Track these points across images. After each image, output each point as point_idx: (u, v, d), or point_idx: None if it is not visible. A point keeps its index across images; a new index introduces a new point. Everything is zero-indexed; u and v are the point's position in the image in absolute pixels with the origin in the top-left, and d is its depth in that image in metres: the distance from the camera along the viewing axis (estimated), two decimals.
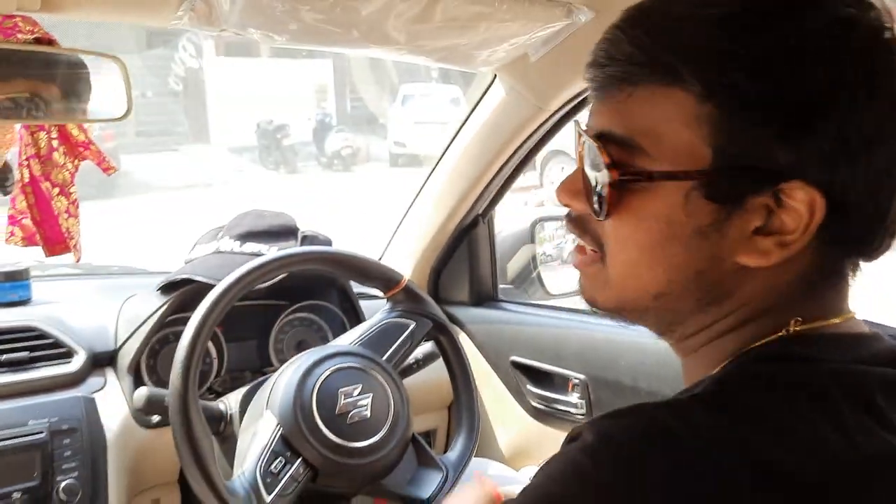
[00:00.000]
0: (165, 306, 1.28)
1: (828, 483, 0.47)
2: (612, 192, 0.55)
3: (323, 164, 15.19)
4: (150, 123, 15.37)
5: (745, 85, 0.50)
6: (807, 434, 0.48)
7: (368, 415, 1.11)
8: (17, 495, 1.06)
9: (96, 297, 1.44)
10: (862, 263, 0.57)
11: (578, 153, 0.61)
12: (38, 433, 1.10)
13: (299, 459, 1.03)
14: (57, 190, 0.90)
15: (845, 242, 0.54)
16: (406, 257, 1.66)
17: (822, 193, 0.50)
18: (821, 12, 0.51)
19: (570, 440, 0.52)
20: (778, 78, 0.49)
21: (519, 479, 1.34)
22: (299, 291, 1.47)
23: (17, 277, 1.36)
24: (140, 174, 13.24)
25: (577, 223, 0.63)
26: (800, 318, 0.55)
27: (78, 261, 0.95)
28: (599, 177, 0.57)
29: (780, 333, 0.55)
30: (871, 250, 0.55)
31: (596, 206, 0.58)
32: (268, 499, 0.99)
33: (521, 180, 1.63)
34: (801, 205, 0.51)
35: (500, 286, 1.69)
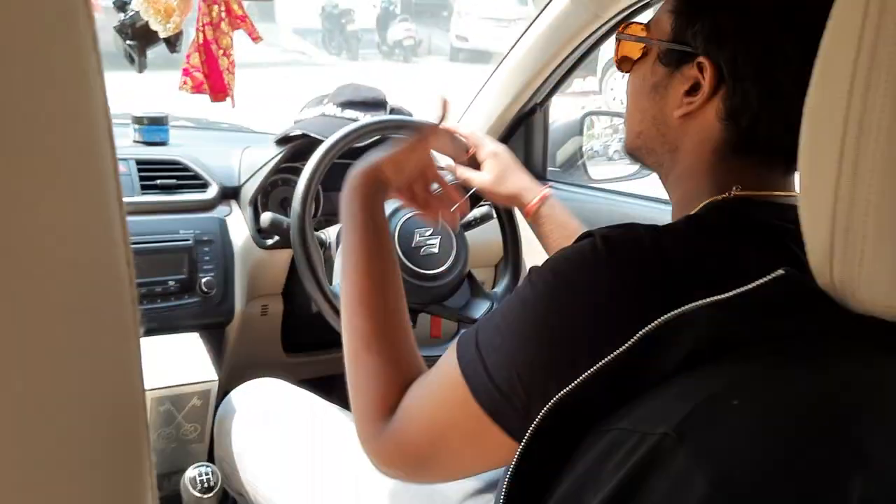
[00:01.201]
0: (280, 155, 1.59)
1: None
2: (624, 51, 0.86)
3: (384, 52, 15.18)
4: None
5: (681, 5, 0.79)
6: (714, 278, 0.61)
7: (437, 251, 1.42)
8: (172, 283, 1.42)
9: (219, 144, 1.76)
10: None
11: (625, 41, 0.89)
12: (186, 240, 1.44)
13: None
14: (222, 51, 1.19)
15: (738, 117, 0.74)
16: (480, 126, 1.91)
17: (714, 66, 0.74)
18: None
19: (582, 237, 0.69)
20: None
21: None
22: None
23: (160, 122, 1.68)
24: None
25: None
26: (740, 186, 0.75)
27: (234, 106, 1.25)
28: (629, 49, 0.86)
29: (723, 195, 0.75)
30: (768, 138, 0.75)
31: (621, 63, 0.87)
32: None
33: (582, 85, 1.84)
34: (707, 70, 0.75)
35: (549, 169, 1.96)
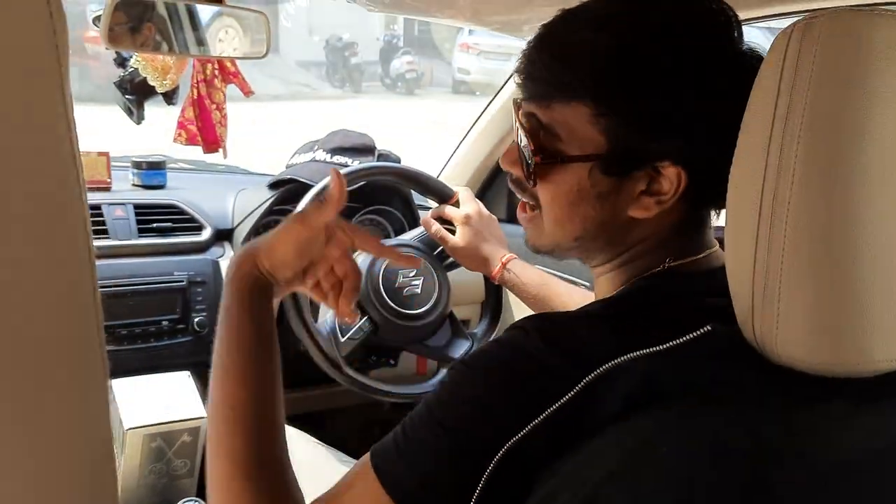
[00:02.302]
0: (273, 198, 1.65)
1: (654, 369, 0.62)
2: (537, 168, 0.73)
3: (387, 85, 15.31)
4: None
5: (626, 104, 0.69)
6: (646, 337, 0.62)
7: (419, 291, 1.48)
8: (165, 322, 1.48)
9: (214, 187, 1.83)
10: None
11: (516, 130, 0.77)
12: (180, 281, 1.50)
13: (366, 317, 1.40)
14: (214, 106, 1.26)
15: (704, 198, 0.73)
16: (459, 177, 1.98)
17: (685, 168, 0.69)
18: (677, 45, 0.68)
19: (511, 328, 0.69)
20: (647, 99, 0.68)
21: None
22: (370, 197, 1.80)
23: (158, 167, 1.75)
24: None
25: (517, 184, 0.80)
26: (672, 258, 0.74)
27: (225, 157, 1.32)
28: (528, 154, 0.74)
29: (655, 269, 0.74)
30: (721, 204, 0.74)
31: (528, 175, 0.75)
32: (342, 339, 1.37)
33: None
34: (672, 176, 0.69)
35: None
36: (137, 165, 1.74)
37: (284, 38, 16.71)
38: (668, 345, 0.62)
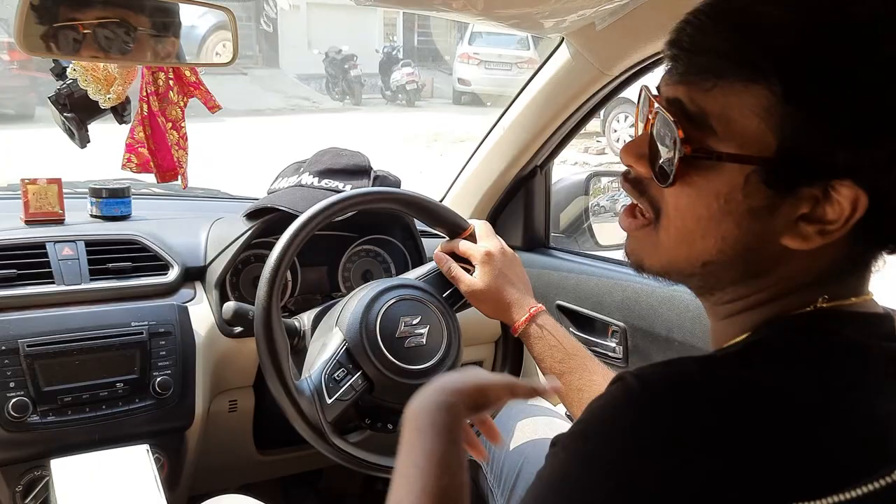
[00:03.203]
0: (251, 231, 1.41)
1: (840, 432, 0.52)
2: (681, 164, 0.59)
3: (388, 97, 15.24)
4: None
5: (823, 94, 0.54)
6: (823, 396, 0.53)
7: (424, 342, 1.24)
8: (120, 385, 1.23)
9: (187, 217, 1.59)
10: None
11: (647, 118, 0.65)
12: (139, 333, 1.26)
13: (359, 372, 1.17)
14: (170, 124, 1.03)
15: (878, 237, 0.60)
16: (467, 202, 1.76)
17: (867, 194, 0.55)
18: None
19: (613, 382, 0.58)
20: (854, 93, 0.53)
21: (556, 413, 1.46)
22: (367, 226, 1.59)
23: (121, 195, 1.51)
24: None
25: (636, 184, 0.67)
26: (826, 296, 0.60)
27: (185, 187, 1.08)
28: (668, 146, 0.61)
29: (808, 308, 0.60)
30: None
31: (660, 173, 0.62)
32: (328, 400, 1.13)
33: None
34: (846, 201, 0.55)
35: (552, 234, 1.79)
36: (96, 193, 1.50)
37: (284, 51, 16.68)
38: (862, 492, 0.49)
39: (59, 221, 1.44)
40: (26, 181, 1.41)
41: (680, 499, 0.50)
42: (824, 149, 0.55)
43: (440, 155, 9.50)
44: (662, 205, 0.63)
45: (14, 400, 1.13)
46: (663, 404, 0.54)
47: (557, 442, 0.58)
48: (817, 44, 0.54)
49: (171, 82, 1.02)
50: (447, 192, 1.81)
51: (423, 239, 1.62)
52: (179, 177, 1.06)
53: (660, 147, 0.62)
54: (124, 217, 1.52)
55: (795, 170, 0.56)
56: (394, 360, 1.19)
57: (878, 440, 0.53)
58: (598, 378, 1.10)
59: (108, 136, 1.43)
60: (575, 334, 1.57)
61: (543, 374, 1.16)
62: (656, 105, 0.62)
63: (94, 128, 1.27)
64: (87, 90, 1.02)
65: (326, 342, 1.20)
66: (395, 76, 14.98)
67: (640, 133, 0.67)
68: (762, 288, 0.62)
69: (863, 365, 0.57)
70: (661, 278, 0.68)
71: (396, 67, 15.14)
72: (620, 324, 1.46)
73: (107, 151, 1.43)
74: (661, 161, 0.62)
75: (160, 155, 1.03)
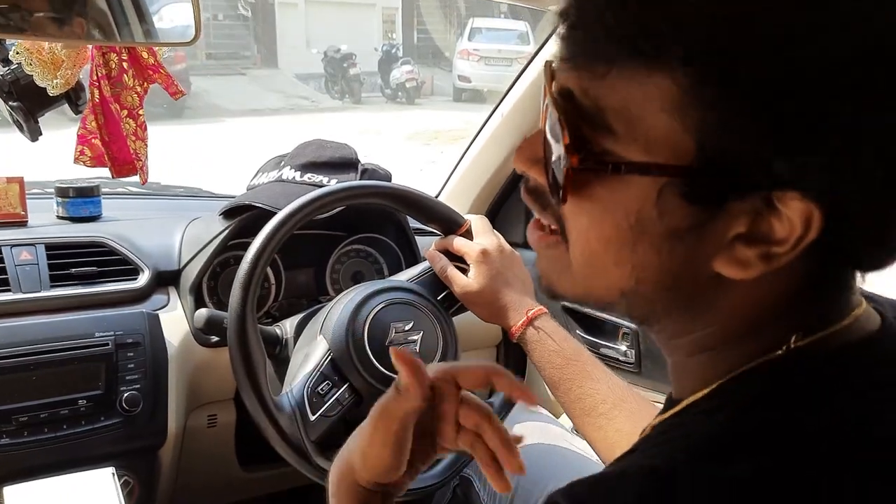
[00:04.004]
0: (227, 231, 1.31)
1: None
2: (571, 175, 0.46)
3: (387, 95, 15.17)
4: (219, 46, 15.53)
5: (748, 76, 0.40)
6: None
7: (418, 349, 1.13)
8: (82, 402, 1.12)
9: (162, 217, 1.48)
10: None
11: (544, 109, 0.51)
12: (103, 345, 1.15)
13: (346, 385, 1.06)
14: (125, 112, 0.92)
15: (846, 254, 0.46)
16: (463, 197, 1.65)
17: (821, 207, 0.41)
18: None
19: None
20: (789, 71, 0.40)
21: (554, 421, 1.35)
22: (357, 224, 1.48)
23: (89, 194, 1.41)
24: (209, 97, 13.43)
25: (536, 196, 0.54)
26: (801, 332, 0.47)
27: (144, 182, 0.98)
28: (557, 152, 0.48)
29: (777, 352, 0.47)
30: (875, 265, 0.47)
31: (553, 185, 0.49)
32: (312, 417, 1.03)
33: None
34: (796, 217, 0.42)
35: None
36: (62, 193, 1.39)
37: (283, 51, 16.66)
38: None
39: (22, 223, 1.34)
40: None
41: None
42: (756, 150, 0.41)
43: (440, 152, 9.41)
44: (566, 223, 0.50)
45: None
46: None
47: None
48: (741, 17, 0.40)
49: (125, 65, 0.90)
50: (443, 187, 1.70)
51: (417, 237, 1.52)
52: (138, 171, 0.95)
53: (552, 150, 0.49)
54: (94, 218, 1.42)
55: (722, 180, 0.43)
56: (384, 370, 1.08)
57: None
58: (601, 387, 1.00)
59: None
60: (582, 338, 1.46)
61: (547, 384, 1.06)
62: (548, 96, 0.48)
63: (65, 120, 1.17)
64: (32, 75, 0.91)
65: (309, 352, 1.10)
66: (395, 74, 14.90)
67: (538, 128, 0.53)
68: (709, 325, 0.50)
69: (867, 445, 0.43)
70: (582, 304, 0.55)
71: (396, 65, 15.07)
72: (632, 325, 1.35)
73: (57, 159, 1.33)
74: (552, 171, 0.49)
75: (115, 147, 0.92)
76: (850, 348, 0.48)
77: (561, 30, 0.47)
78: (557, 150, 0.47)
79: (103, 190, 1.46)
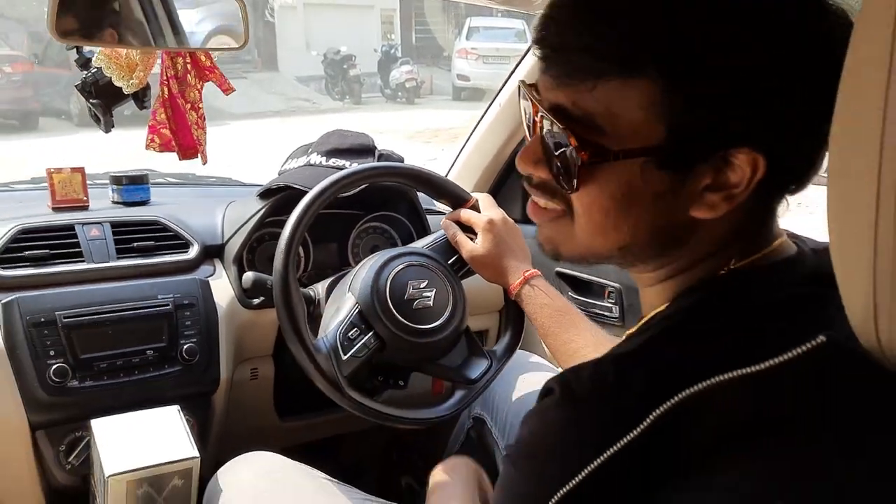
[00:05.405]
0: (264, 209, 1.50)
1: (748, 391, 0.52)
2: (581, 170, 0.60)
3: (387, 95, 15.29)
4: (221, 51, 15.64)
5: (703, 77, 0.55)
6: (734, 355, 0.53)
7: (431, 304, 1.32)
8: (150, 352, 1.32)
9: (202, 201, 1.68)
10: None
11: (534, 122, 0.64)
12: (165, 305, 1.35)
13: (371, 332, 1.24)
14: (189, 105, 1.11)
15: (781, 186, 0.62)
16: (468, 179, 1.84)
17: (764, 155, 0.57)
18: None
19: (543, 395, 0.61)
20: (732, 68, 0.55)
21: (555, 369, 1.53)
22: (374, 203, 1.67)
23: (140, 181, 1.61)
24: (211, 101, 13.60)
25: (543, 189, 0.67)
26: (737, 257, 0.63)
27: (205, 163, 1.17)
28: (564, 154, 0.61)
29: (721, 272, 0.63)
30: (797, 189, 0.64)
31: (562, 179, 0.63)
32: (344, 357, 1.21)
33: None
34: (746, 165, 0.57)
35: None
36: (117, 181, 1.59)
37: (283, 53, 16.72)
38: (771, 362, 0.50)
39: (84, 207, 1.54)
40: (51, 170, 1.50)
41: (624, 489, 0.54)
42: (711, 126, 0.56)
43: (441, 150, 9.56)
44: (573, 204, 0.65)
45: (55, 366, 1.22)
46: (588, 411, 0.57)
47: (510, 450, 0.63)
48: (687, 26, 0.55)
49: (188, 66, 1.10)
50: (449, 170, 1.90)
51: (427, 216, 1.71)
52: (199, 154, 1.15)
53: (555, 153, 0.62)
54: (144, 202, 1.61)
55: (688, 150, 0.58)
56: (403, 320, 1.27)
57: None
58: (586, 334, 1.15)
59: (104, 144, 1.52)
60: (574, 298, 1.65)
61: (539, 333, 1.22)
62: (541, 112, 0.62)
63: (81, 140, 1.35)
64: (110, 77, 1.11)
65: (340, 306, 1.29)
66: (394, 74, 15.02)
67: (529, 138, 0.68)
68: (676, 258, 0.66)
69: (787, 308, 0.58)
70: (579, 264, 0.72)
71: (395, 66, 15.18)
72: (616, 285, 1.54)
73: (100, 160, 1.53)
74: (558, 168, 0.63)
75: (181, 134, 1.12)
76: (775, 266, 0.64)
77: (542, 52, 0.61)
78: (562, 150, 0.61)
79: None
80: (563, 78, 0.59)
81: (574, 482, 0.54)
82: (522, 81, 0.67)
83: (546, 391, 0.60)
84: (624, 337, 0.69)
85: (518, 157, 0.67)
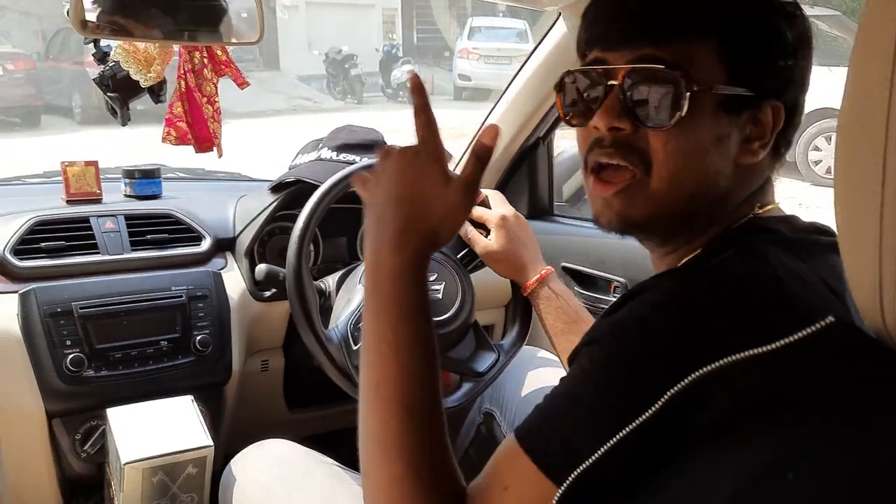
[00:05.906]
0: (276, 203, 1.53)
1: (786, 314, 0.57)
2: (691, 99, 0.67)
3: (389, 95, 15.31)
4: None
5: (752, 42, 0.70)
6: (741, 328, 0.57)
7: (440, 297, 1.34)
8: (164, 343, 1.34)
9: (213, 195, 1.71)
10: None
11: (608, 85, 0.71)
12: (178, 296, 1.37)
13: None
14: (205, 99, 1.14)
15: (787, 139, 0.75)
16: None
17: (784, 106, 0.71)
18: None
19: (628, 297, 0.64)
20: (770, 39, 0.70)
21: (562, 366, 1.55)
22: None
23: (152, 175, 1.63)
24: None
25: (619, 146, 0.71)
26: (759, 206, 0.73)
27: (220, 156, 1.19)
28: (662, 93, 0.68)
29: (751, 215, 0.72)
30: (786, 152, 0.76)
31: (654, 118, 0.69)
32: (354, 347, 1.23)
33: None
34: (771, 115, 0.71)
35: (556, 203, 1.90)
36: (129, 175, 1.61)
37: (284, 53, 16.73)
38: (781, 343, 0.54)
39: (98, 200, 1.56)
40: (65, 164, 1.52)
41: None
42: (756, 79, 0.69)
43: None
44: (652, 154, 0.69)
45: (71, 356, 1.24)
46: (672, 309, 0.61)
47: (591, 341, 0.65)
48: (745, 6, 0.70)
49: (205, 60, 1.13)
50: (456, 167, 1.92)
51: None
52: (215, 147, 1.17)
53: (646, 97, 0.69)
54: (156, 196, 1.63)
55: (740, 97, 0.69)
56: None
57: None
58: None
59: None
60: (579, 293, 1.67)
61: (546, 331, 1.24)
62: (623, 69, 0.70)
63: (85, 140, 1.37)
64: (128, 71, 1.14)
65: (350, 297, 1.31)
66: (396, 74, 15.03)
67: (601, 101, 0.72)
68: (712, 209, 0.72)
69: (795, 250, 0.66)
70: (638, 233, 0.76)
71: (397, 65, 15.18)
72: (621, 279, 1.57)
73: (100, 160, 1.56)
74: (646, 113, 0.69)
75: (197, 127, 1.14)
76: (783, 218, 0.73)
77: (615, 12, 0.72)
78: (655, 90, 0.68)
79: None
80: (644, 36, 0.69)
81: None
82: (596, 58, 0.73)
83: (628, 296, 0.64)
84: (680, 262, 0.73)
85: (598, 114, 0.71)
